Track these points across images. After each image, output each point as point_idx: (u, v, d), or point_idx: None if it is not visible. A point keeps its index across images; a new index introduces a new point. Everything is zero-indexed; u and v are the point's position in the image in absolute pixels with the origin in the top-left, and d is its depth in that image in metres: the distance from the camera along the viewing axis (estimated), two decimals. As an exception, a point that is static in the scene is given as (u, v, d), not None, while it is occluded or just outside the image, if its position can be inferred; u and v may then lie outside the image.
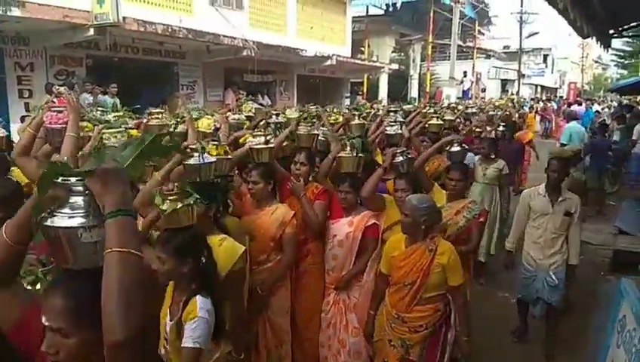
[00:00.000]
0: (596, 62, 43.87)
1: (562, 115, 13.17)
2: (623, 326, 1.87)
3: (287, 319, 3.35)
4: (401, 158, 3.77)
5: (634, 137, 10.48)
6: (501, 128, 7.07)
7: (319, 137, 4.26)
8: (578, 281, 4.30)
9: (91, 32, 9.14)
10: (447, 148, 4.93)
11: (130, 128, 3.45)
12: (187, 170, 2.69)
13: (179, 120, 3.98)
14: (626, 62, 34.44)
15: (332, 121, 4.99)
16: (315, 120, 4.63)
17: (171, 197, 2.17)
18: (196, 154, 2.67)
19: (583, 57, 38.70)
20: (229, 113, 4.66)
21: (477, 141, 6.30)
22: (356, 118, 4.85)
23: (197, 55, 12.83)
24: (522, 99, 19.06)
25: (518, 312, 4.51)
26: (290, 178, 3.51)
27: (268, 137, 3.51)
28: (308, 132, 4.07)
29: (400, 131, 4.81)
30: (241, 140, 3.74)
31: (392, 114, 5.54)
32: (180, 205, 2.14)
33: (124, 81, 10.39)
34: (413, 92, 22.74)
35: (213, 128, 3.80)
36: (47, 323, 1.24)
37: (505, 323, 4.66)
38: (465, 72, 22.08)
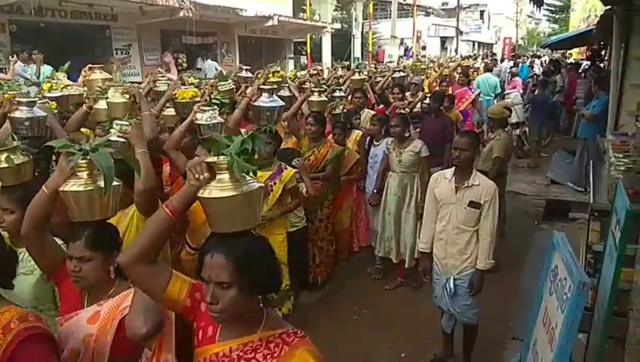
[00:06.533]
0: (529, 17, 45.26)
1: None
2: (555, 276, 2.09)
3: None
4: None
5: (559, 84, 11.43)
6: (427, 100, 6.20)
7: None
8: (515, 231, 3.60)
9: (12, -6, 8.49)
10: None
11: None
12: None
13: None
14: (557, 16, 35.90)
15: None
16: None
17: None
18: None
19: (517, 12, 39.77)
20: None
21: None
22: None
23: (130, 17, 12.15)
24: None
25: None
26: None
27: None
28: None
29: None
30: None
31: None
32: None
33: (53, 47, 9.71)
34: (357, 52, 22.69)
35: None
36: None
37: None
38: (402, 40, 22.15)
